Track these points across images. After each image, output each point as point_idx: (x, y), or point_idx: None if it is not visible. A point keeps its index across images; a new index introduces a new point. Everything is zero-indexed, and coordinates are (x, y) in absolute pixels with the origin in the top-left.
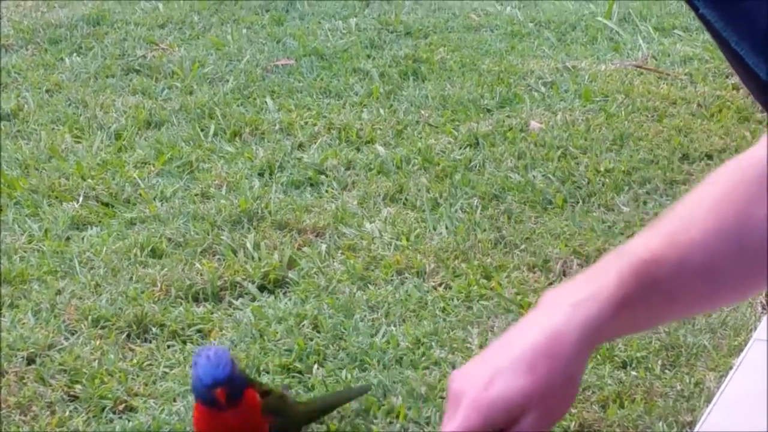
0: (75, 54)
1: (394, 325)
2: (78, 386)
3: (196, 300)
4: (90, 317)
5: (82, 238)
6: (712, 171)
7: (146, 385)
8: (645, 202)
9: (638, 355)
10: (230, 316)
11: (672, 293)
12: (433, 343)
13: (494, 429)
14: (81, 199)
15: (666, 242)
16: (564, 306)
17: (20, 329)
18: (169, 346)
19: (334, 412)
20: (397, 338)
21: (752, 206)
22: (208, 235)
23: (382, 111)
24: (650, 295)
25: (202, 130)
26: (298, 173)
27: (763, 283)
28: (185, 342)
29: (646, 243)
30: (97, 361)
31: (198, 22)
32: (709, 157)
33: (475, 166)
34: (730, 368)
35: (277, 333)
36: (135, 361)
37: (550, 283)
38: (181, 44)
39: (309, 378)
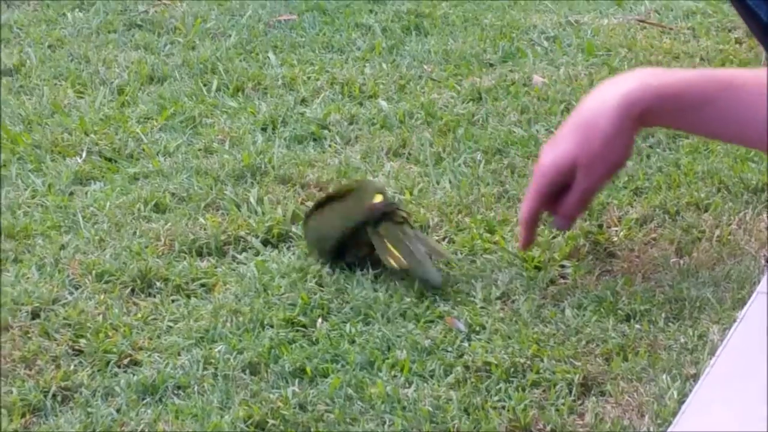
0: (77, 9)
1: (398, 279)
2: (82, 340)
3: (199, 254)
4: (94, 272)
5: (86, 193)
6: None
7: (151, 339)
8: (648, 156)
9: (642, 308)
10: (234, 270)
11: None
12: (437, 297)
13: (557, 186)
14: (84, 154)
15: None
16: (619, 83)
17: (24, 284)
18: (173, 301)
19: (338, 365)
20: (401, 292)
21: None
22: (212, 189)
23: (384, 66)
24: (704, 108)
25: (204, 85)
26: (301, 128)
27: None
28: (189, 296)
29: (734, 73)
30: (101, 315)
31: None
32: None
33: (478, 121)
34: (734, 321)
35: (281, 287)
36: (139, 315)
37: (553, 237)
38: None
39: (313, 332)
